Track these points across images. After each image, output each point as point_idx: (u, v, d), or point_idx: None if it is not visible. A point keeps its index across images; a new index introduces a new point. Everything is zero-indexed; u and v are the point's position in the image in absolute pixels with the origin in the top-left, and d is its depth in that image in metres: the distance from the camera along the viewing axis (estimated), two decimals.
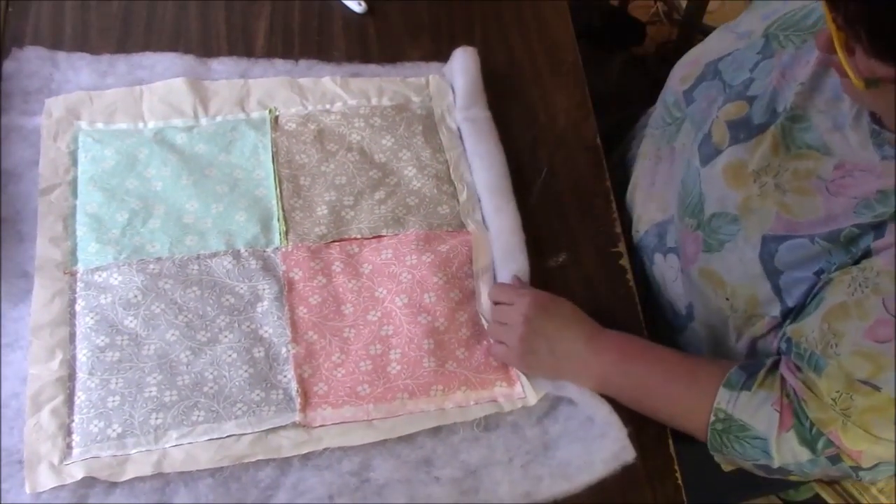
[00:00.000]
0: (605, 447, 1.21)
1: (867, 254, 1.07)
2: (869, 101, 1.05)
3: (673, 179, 1.39)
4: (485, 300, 1.34)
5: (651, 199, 1.44)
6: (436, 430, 1.22)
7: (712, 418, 1.16)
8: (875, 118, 1.09)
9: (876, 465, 1.09)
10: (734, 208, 1.21)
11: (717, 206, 1.23)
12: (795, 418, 1.10)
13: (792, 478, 1.18)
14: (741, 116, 1.25)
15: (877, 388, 1.03)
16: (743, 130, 1.24)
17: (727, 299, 1.21)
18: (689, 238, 1.28)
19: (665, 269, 1.39)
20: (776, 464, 1.13)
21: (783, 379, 1.14)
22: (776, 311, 1.16)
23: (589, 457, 1.21)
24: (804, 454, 1.10)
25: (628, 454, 1.21)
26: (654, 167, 1.45)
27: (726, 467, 1.29)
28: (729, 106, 1.27)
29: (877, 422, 1.05)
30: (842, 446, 1.07)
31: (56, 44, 1.49)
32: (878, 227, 1.06)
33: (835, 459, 1.09)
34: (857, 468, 1.09)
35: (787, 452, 1.11)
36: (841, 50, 0.96)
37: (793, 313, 1.15)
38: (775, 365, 1.16)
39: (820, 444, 1.09)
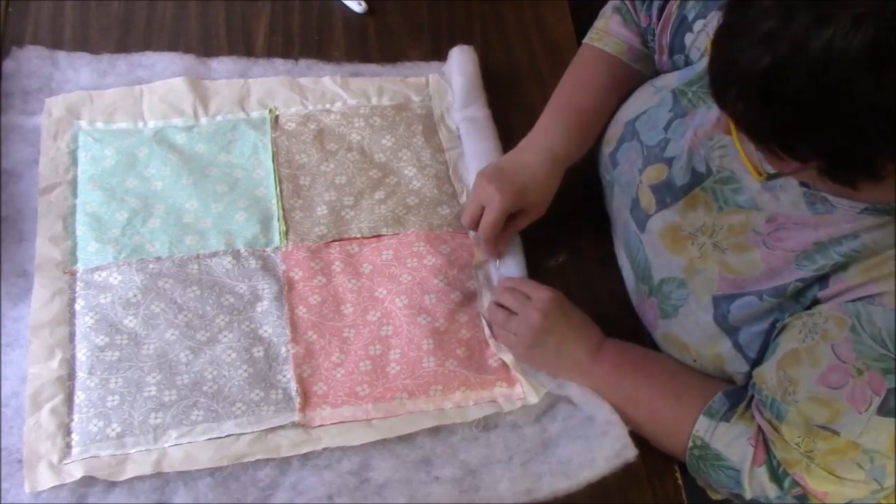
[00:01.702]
0: (606, 445, 1.21)
1: (816, 302, 1.07)
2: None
3: (617, 238, 1.40)
4: (485, 300, 1.33)
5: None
6: (435, 430, 1.22)
7: (690, 444, 1.17)
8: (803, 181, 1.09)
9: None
10: (680, 272, 1.22)
11: (664, 272, 1.25)
12: (767, 454, 1.11)
13: None
14: (662, 180, 1.25)
15: (836, 433, 1.04)
16: (667, 194, 1.24)
17: (695, 361, 1.22)
18: (646, 304, 1.30)
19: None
20: (747, 496, 1.14)
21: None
22: (743, 367, 1.17)
23: (590, 454, 1.21)
24: (773, 490, 1.11)
25: (630, 452, 1.21)
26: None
27: (714, 495, 1.30)
28: (649, 169, 1.28)
29: (840, 464, 1.05)
30: (807, 487, 1.08)
31: (56, 43, 1.49)
32: (821, 280, 1.06)
33: (802, 499, 1.10)
34: None
35: (758, 486, 1.12)
36: (739, 145, 0.97)
37: (757, 361, 1.16)
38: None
39: (786, 483, 1.10)
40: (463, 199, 1.43)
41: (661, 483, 1.25)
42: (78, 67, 1.46)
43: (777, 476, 1.10)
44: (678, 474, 1.26)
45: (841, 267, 1.04)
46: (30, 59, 1.45)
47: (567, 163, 1.38)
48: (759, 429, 1.13)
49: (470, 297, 1.33)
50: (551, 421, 1.26)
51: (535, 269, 1.37)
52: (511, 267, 1.35)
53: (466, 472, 1.20)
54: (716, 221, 1.18)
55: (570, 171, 1.40)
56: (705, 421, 1.16)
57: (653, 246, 1.26)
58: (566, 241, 1.44)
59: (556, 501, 1.20)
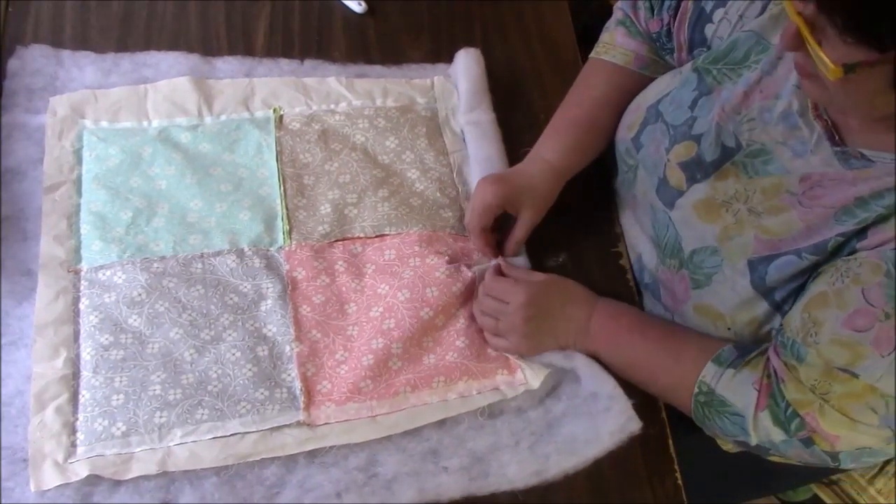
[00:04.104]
0: (610, 420, 1.23)
1: (852, 253, 1.08)
2: (841, 97, 1.04)
3: (638, 224, 1.41)
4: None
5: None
6: (440, 422, 1.23)
7: (696, 390, 1.19)
8: (835, 140, 1.11)
9: (856, 452, 1.10)
10: (713, 241, 1.22)
11: (696, 243, 1.25)
12: (771, 399, 1.12)
13: (773, 458, 1.20)
14: (692, 157, 1.26)
15: (855, 376, 1.04)
16: (698, 170, 1.25)
17: (729, 329, 1.23)
18: (675, 279, 1.29)
19: (647, 302, 1.42)
20: (753, 441, 1.15)
21: (767, 359, 1.16)
22: (779, 321, 1.17)
23: (595, 430, 1.23)
24: (778, 434, 1.12)
25: (634, 425, 1.22)
26: (623, 212, 1.47)
27: (724, 446, 1.32)
28: (678, 147, 1.28)
29: (855, 407, 1.06)
30: (818, 429, 1.09)
31: (56, 43, 1.48)
32: (861, 233, 1.07)
33: (808, 442, 1.10)
34: (832, 454, 1.11)
35: (763, 432, 1.13)
36: (812, 41, 0.96)
37: None
38: (767, 348, 1.18)
39: (793, 426, 1.10)
40: (466, 202, 1.43)
41: (661, 483, 1.26)
42: (82, 66, 1.46)
43: (781, 420, 1.11)
44: (678, 475, 1.27)
45: (882, 219, 1.05)
46: (34, 58, 1.45)
47: (565, 175, 1.40)
48: (764, 374, 1.14)
49: (469, 287, 1.34)
50: (555, 401, 1.27)
51: (536, 270, 1.38)
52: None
53: (474, 459, 1.21)
54: (748, 187, 1.19)
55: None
56: (712, 367, 1.18)
57: (684, 220, 1.27)
58: (567, 241, 1.44)
59: (556, 502, 1.21)
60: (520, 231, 1.36)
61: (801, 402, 1.09)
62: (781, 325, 1.15)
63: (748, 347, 1.19)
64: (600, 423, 1.23)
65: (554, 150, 1.40)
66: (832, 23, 0.93)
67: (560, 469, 1.21)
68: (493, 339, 1.30)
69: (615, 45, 1.44)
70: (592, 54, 1.48)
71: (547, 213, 1.38)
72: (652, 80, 1.41)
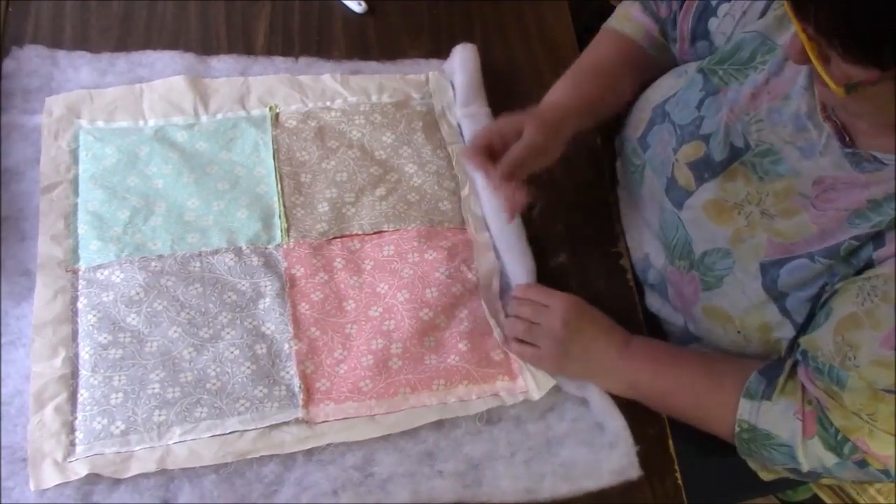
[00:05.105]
0: (613, 459, 1.22)
1: (869, 264, 1.07)
2: (853, 105, 1.05)
3: (644, 223, 1.40)
4: (483, 303, 1.33)
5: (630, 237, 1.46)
6: (438, 424, 1.23)
7: (737, 428, 1.18)
8: (846, 142, 1.10)
9: None
10: (725, 243, 1.22)
11: (708, 244, 1.24)
12: (819, 425, 1.11)
13: (825, 481, 1.19)
14: (700, 157, 1.26)
15: None
16: (706, 170, 1.25)
17: (739, 332, 1.22)
18: (684, 280, 1.29)
19: (653, 300, 1.41)
20: (805, 468, 1.14)
21: (804, 387, 1.15)
22: (790, 333, 1.17)
23: (596, 463, 1.22)
24: (830, 459, 1.11)
25: (634, 472, 1.22)
26: (627, 211, 1.46)
27: (765, 476, 1.31)
28: (685, 147, 1.28)
29: None
30: (869, 451, 1.08)
31: (56, 43, 1.49)
32: (876, 237, 1.06)
33: (862, 464, 1.10)
34: (885, 471, 1.10)
35: (814, 458, 1.12)
36: (816, 60, 0.97)
37: (804, 326, 1.16)
38: (795, 369, 1.17)
39: (846, 450, 1.10)
40: (464, 192, 1.43)
41: (661, 483, 1.25)
42: (78, 66, 1.46)
43: (832, 445, 1.10)
44: (678, 475, 1.26)
45: None
46: (30, 59, 1.45)
47: (570, 114, 1.34)
48: (804, 401, 1.13)
49: (471, 289, 1.34)
50: (558, 420, 1.26)
51: (537, 270, 1.37)
52: (518, 271, 1.35)
53: (469, 466, 1.21)
54: (759, 190, 1.18)
55: (570, 170, 1.41)
56: (747, 403, 1.17)
57: (695, 221, 1.26)
58: (567, 241, 1.43)
59: (555, 500, 1.20)
60: (517, 148, 1.25)
61: (849, 427, 1.09)
62: (804, 349, 1.13)
63: (772, 372, 1.17)
64: (602, 458, 1.23)
65: (557, 95, 1.38)
66: (831, 45, 0.93)
67: (552, 493, 1.20)
68: (521, 348, 1.28)
69: (630, 18, 1.45)
70: (605, 25, 1.49)
71: (547, 214, 1.37)
72: (655, 65, 1.42)
